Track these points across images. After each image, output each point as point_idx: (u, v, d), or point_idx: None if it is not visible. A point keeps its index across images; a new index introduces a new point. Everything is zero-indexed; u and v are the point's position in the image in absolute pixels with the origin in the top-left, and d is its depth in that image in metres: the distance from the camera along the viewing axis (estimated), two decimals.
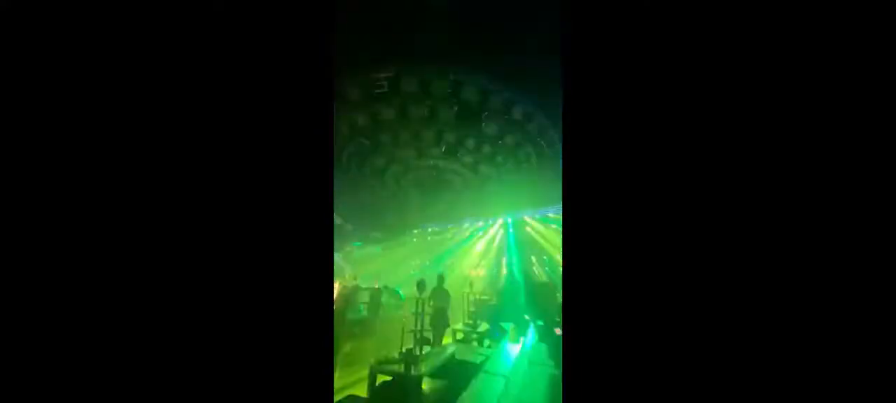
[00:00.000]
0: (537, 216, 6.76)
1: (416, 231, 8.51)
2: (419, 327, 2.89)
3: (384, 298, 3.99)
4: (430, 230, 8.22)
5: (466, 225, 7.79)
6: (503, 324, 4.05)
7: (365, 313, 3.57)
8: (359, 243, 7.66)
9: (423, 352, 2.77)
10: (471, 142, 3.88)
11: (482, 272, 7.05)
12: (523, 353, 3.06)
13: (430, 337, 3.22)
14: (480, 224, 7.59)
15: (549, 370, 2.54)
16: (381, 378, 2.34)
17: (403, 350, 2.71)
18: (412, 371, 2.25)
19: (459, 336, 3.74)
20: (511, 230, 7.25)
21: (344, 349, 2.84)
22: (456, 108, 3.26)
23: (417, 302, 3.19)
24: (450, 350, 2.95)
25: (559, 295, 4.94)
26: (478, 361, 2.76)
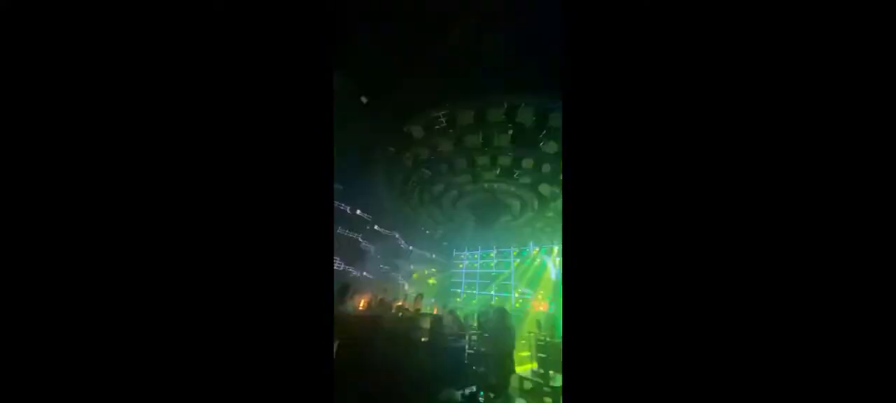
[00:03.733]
0: None
1: (471, 253, 8.39)
2: (483, 369, 2.68)
3: (445, 325, 3.97)
4: (492, 253, 7.95)
5: (530, 250, 7.16)
6: None
7: (425, 339, 3.63)
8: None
9: (489, 399, 2.53)
10: (529, 162, 3.71)
11: (549, 308, 6.14)
12: None
13: (494, 382, 2.93)
14: (536, 249, 6.83)
15: None
16: None
17: (466, 392, 2.55)
18: None
19: (528, 385, 3.27)
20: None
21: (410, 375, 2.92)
22: (511, 131, 3.24)
23: (479, 338, 2.99)
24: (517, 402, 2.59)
25: None
26: None
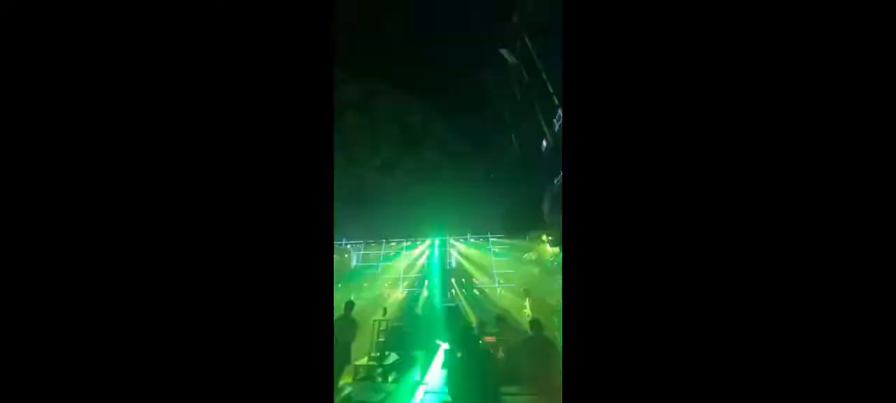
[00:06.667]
0: (465, 239, 7.37)
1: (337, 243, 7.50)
2: None
3: None
4: (347, 244, 7.47)
5: (394, 243, 7.58)
6: (414, 353, 4.06)
7: None
8: None
9: None
10: (410, 162, 4.02)
11: (401, 295, 6.89)
12: (422, 382, 3.16)
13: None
14: (407, 242, 7.56)
15: (441, 397, 2.70)
16: None
17: None
18: None
19: (362, 372, 3.45)
20: (436, 251, 7.57)
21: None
22: (397, 129, 3.37)
23: None
24: (346, 391, 2.67)
25: (469, 319, 5.42)
26: (377, 400, 2.63)
